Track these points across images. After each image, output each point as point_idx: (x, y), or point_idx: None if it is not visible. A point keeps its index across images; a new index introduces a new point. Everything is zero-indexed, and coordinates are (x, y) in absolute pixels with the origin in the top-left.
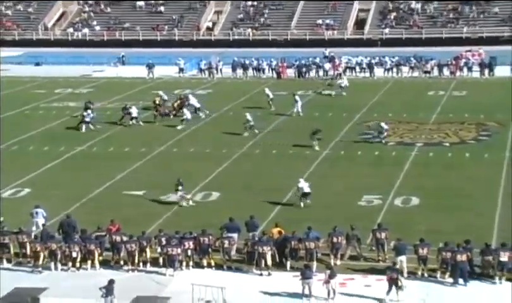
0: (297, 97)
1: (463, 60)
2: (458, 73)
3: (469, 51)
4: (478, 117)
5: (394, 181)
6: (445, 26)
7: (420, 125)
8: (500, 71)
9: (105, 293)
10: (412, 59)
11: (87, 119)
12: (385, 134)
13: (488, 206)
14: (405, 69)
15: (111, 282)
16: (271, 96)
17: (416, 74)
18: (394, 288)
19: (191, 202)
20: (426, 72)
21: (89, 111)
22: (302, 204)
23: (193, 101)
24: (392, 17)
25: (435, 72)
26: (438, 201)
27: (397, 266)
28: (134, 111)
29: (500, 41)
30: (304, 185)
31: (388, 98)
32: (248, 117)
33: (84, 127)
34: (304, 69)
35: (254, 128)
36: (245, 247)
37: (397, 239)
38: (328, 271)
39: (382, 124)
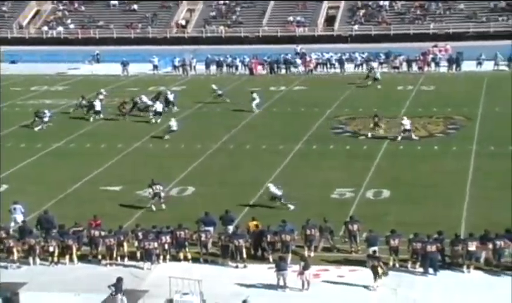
0: (254, 95)
1: (431, 56)
2: (426, 68)
3: (436, 46)
4: (446, 111)
5: (365, 174)
6: (412, 23)
7: (390, 120)
8: (467, 66)
9: (114, 291)
10: (381, 54)
11: (45, 119)
12: (410, 128)
13: (456, 198)
14: (375, 64)
15: (119, 280)
16: (219, 92)
17: (385, 69)
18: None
19: (163, 206)
20: (395, 67)
21: (46, 112)
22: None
23: (145, 99)
24: (361, 14)
25: (404, 67)
26: (409, 193)
27: (377, 254)
28: (97, 105)
29: (466, 37)
30: (274, 189)
31: (358, 93)
32: (214, 86)
33: (40, 127)
34: (276, 66)
35: (223, 96)
36: (219, 240)
37: (369, 231)
38: (302, 263)
39: (404, 121)
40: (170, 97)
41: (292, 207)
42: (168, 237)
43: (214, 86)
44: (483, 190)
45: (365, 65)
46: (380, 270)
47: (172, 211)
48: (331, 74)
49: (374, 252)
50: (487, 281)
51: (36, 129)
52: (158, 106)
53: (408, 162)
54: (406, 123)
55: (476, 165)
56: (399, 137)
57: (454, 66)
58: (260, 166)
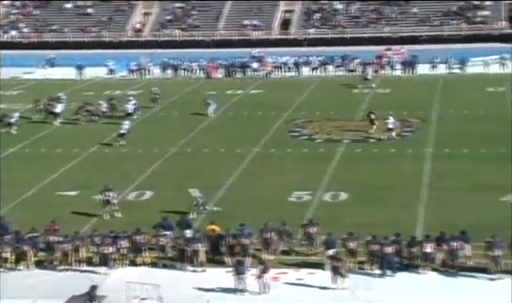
0: (209, 101)
1: (386, 59)
2: (382, 71)
3: (389, 50)
4: (401, 114)
5: (322, 177)
6: (367, 26)
7: (347, 123)
8: (422, 69)
9: (89, 299)
10: (337, 58)
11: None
12: (393, 126)
13: (413, 199)
14: (330, 67)
15: (94, 288)
16: (156, 95)
17: (341, 72)
18: (339, 277)
19: (118, 214)
20: (350, 70)
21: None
22: (195, 215)
23: (103, 104)
24: (316, 17)
25: (359, 70)
26: (366, 196)
27: (338, 255)
28: (58, 108)
29: (420, 40)
30: (197, 195)
31: (315, 96)
32: (154, 89)
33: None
34: (232, 69)
35: (158, 100)
36: (177, 245)
37: (328, 233)
38: (261, 266)
39: (389, 120)
40: (129, 107)
41: (215, 209)
42: (126, 242)
43: (154, 89)
44: (439, 192)
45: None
46: (343, 271)
47: (130, 216)
48: (287, 77)
49: (336, 253)
50: (443, 282)
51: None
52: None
53: (365, 165)
54: (390, 122)
55: (432, 166)
56: (385, 137)
57: (409, 69)
58: (218, 170)
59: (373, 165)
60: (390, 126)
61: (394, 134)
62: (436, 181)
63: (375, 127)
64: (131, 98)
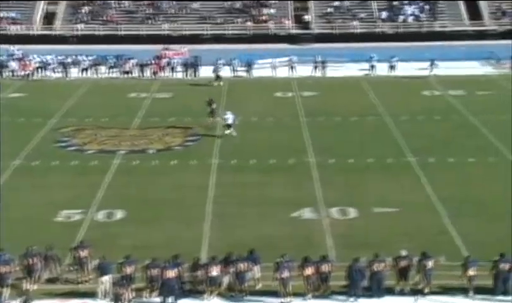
0: None
1: (165, 60)
2: (161, 73)
3: (167, 49)
4: (184, 121)
5: (95, 193)
6: (143, 23)
7: (122, 131)
8: (205, 72)
9: None
10: (110, 57)
11: None
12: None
13: (196, 217)
14: (103, 68)
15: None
16: None
17: (115, 74)
18: None
19: None
20: (126, 72)
21: None
22: None
23: None
24: (85, 11)
25: (136, 72)
26: (145, 213)
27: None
28: None
29: (202, 39)
30: None
31: (86, 101)
32: None
33: None
34: None
35: None
36: None
37: (101, 257)
38: (22, 298)
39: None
40: None
41: None
42: None
43: None
44: (225, 208)
45: (92, 69)
46: (129, 296)
47: None
48: (53, 79)
49: (123, 277)
50: None
51: None
52: None
53: (144, 179)
54: (229, 117)
55: (218, 180)
56: (225, 132)
57: (191, 71)
58: None
59: (153, 178)
60: (230, 122)
61: (234, 132)
62: (222, 196)
63: (215, 120)
64: None
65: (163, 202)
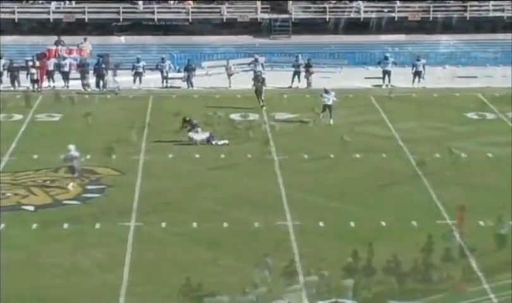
0: None
1: (53, 60)
2: (46, 82)
3: (57, 44)
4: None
5: None
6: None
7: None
8: (121, 79)
9: None
10: None
11: None
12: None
13: None
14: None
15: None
16: None
17: None
18: None
19: None
20: None
21: None
22: None
23: None
24: None
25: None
26: None
27: None
28: None
29: (113, 28)
30: None
31: None
32: None
33: None
34: None
35: None
36: None
37: None
38: None
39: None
40: None
41: None
42: None
43: None
44: None
45: None
46: None
47: None
48: None
49: None
50: None
51: None
52: None
53: None
54: (329, 96)
55: None
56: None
57: (95, 79)
58: None
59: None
60: (330, 103)
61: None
62: None
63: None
64: None
65: None
